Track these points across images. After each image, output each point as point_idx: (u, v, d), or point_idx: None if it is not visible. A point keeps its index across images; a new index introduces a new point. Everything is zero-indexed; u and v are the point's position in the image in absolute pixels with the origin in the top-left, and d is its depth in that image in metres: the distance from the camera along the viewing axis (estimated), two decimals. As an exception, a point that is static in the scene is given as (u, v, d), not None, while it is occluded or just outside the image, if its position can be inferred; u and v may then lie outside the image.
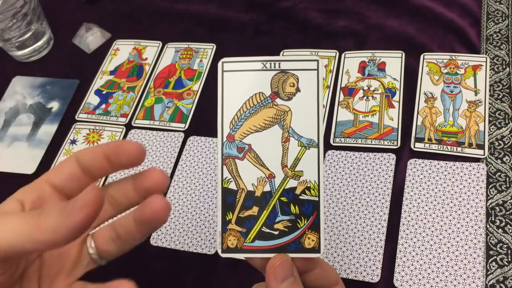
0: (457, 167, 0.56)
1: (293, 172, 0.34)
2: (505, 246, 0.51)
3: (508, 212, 0.52)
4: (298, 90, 0.34)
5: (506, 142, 0.57)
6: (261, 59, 0.34)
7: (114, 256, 0.34)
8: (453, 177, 0.55)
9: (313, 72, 0.34)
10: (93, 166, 0.32)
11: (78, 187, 0.32)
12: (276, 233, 0.33)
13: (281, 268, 0.32)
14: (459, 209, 0.53)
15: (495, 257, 0.50)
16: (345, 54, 0.69)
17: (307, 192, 0.33)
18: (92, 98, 0.72)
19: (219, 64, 0.34)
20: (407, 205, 0.54)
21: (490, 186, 0.54)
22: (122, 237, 0.33)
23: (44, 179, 0.33)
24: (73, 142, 0.68)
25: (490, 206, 0.53)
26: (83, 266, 0.34)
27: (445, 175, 0.55)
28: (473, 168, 0.55)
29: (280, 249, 0.33)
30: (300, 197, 0.33)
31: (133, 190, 0.33)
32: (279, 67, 0.34)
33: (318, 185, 0.33)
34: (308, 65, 0.34)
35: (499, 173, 0.55)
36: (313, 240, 0.33)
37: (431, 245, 0.51)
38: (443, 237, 0.52)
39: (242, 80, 0.34)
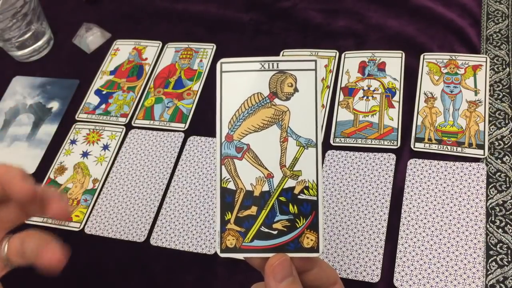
0: (457, 167, 0.56)
1: (291, 172, 0.34)
2: (505, 246, 0.50)
3: (508, 212, 0.52)
4: (296, 90, 0.34)
5: (506, 142, 0.57)
6: (260, 60, 0.34)
7: (19, 265, 0.38)
8: (453, 177, 0.55)
9: (311, 72, 0.34)
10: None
11: None
12: (274, 232, 0.33)
13: (280, 268, 0.32)
14: (459, 209, 0.53)
15: (495, 257, 0.50)
16: (345, 54, 0.69)
17: (305, 191, 0.33)
18: (92, 98, 0.72)
19: (218, 64, 0.34)
20: (407, 205, 0.54)
21: (490, 186, 0.54)
22: (26, 257, 0.37)
23: None
24: (73, 142, 0.68)
25: (490, 206, 0.53)
26: None
27: (445, 175, 0.55)
28: (473, 168, 0.55)
29: (279, 248, 0.33)
30: (299, 196, 0.33)
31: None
32: (277, 67, 0.34)
33: (317, 185, 0.33)
34: (306, 65, 0.34)
35: (499, 173, 0.55)
36: (312, 240, 0.33)
37: (431, 245, 0.51)
38: (443, 237, 0.51)
39: (241, 80, 0.34)
